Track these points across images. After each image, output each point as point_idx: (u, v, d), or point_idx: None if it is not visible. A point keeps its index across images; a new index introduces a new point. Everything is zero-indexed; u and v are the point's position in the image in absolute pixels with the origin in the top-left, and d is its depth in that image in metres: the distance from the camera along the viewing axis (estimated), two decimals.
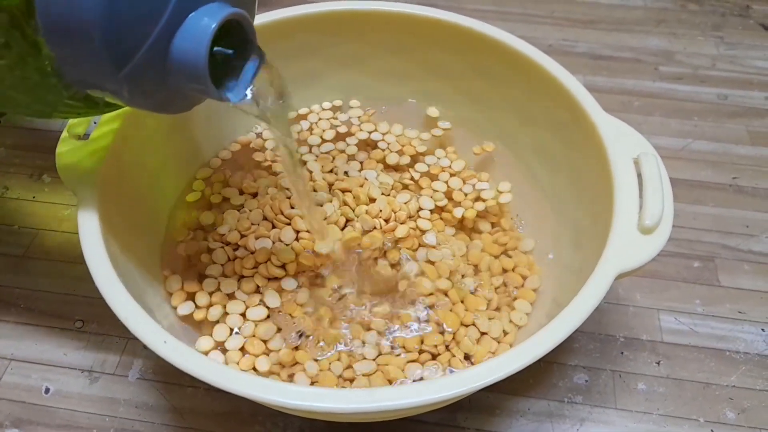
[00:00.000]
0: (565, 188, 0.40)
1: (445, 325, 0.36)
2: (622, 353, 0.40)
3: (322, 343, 0.35)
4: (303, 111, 0.47)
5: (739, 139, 0.54)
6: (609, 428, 0.37)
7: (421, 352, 0.35)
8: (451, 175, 0.44)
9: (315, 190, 0.42)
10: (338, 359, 0.35)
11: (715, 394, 0.38)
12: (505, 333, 0.36)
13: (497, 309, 0.37)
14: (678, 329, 0.41)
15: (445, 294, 0.38)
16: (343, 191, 0.42)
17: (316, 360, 0.34)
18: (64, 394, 0.38)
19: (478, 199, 0.42)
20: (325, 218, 0.41)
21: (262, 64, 0.27)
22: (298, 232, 0.40)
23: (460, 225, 0.42)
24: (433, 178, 0.44)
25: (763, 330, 0.41)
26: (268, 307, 0.36)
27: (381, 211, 0.41)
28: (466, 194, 0.43)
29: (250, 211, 0.41)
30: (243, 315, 0.36)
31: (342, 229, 0.40)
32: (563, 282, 0.37)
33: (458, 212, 0.41)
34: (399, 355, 0.35)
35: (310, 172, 0.44)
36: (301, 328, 0.35)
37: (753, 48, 0.63)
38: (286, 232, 0.40)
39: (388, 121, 0.47)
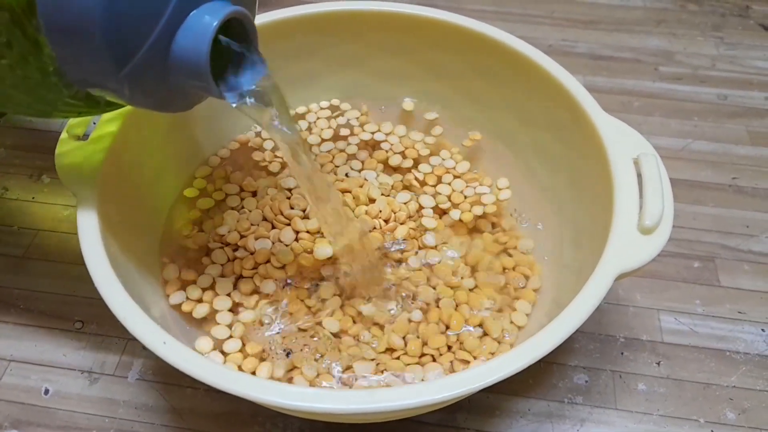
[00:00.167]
0: (565, 188, 0.40)
1: (448, 326, 0.36)
2: (622, 354, 0.40)
3: (323, 347, 0.35)
4: (301, 110, 0.47)
5: (738, 140, 0.54)
6: (609, 429, 0.37)
7: (422, 355, 0.35)
8: (455, 177, 0.44)
9: None
10: (338, 360, 0.35)
11: (716, 395, 0.38)
12: (505, 333, 0.36)
13: (497, 309, 0.37)
14: (678, 329, 0.41)
15: (451, 294, 0.37)
16: (343, 192, 0.42)
17: (315, 360, 0.34)
18: (63, 395, 0.38)
19: (477, 202, 0.42)
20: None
21: (261, 64, 0.27)
22: (297, 232, 0.40)
23: (460, 225, 0.42)
24: (437, 179, 0.44)
25: (763, 330, 0.41)
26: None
27: (381, 211, 0.41)
28: (466, 197, 0.42)
29: (250, 211, 0.41)
30: (232, 311, 0.36)
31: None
32: (563, 282, 0.37)
33: (455, 214, 0.41)
34: (398, 358, 0.35)
35: None
36: (288, 346, 0.35)
37: (753, 48, 0.63)
38: (285, 232, 0.40)
39: (387, 121, 0.47)
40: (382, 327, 0.36)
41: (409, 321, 0.36)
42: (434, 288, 0.38)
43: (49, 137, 0.53)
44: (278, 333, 0.36)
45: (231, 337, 0.35)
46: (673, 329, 0.41)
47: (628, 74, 0.60)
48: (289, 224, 0.40)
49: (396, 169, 0.45)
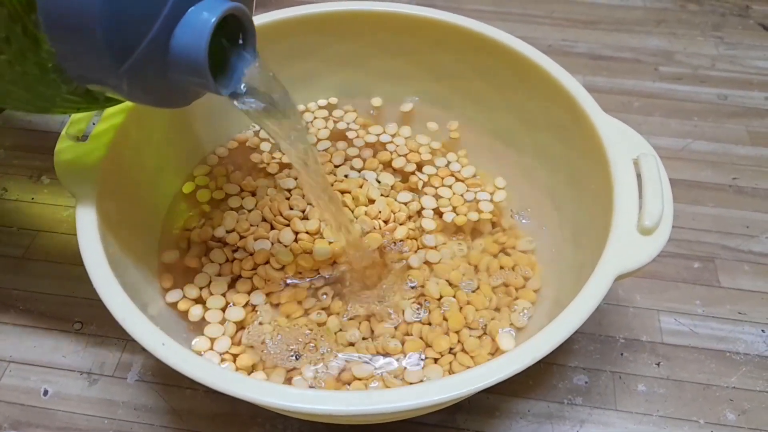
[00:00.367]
0: (564, 189, 0.40)
1: (450, 327, 0.36)
2: (622, 354, 0.40)
3: (323, 349, 0.35)
4: (299, 108, 0.47)
5: (738, 140, 0.54)
6: (609, 430, 0.37)
7: (425, 358, 0.35)
8: (457, 180, 0.44)
9: None
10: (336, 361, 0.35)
11: (716, 396, 0.38)
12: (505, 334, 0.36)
13: (497, 309, 0.37)
14: (678, 330, 0.41)
15: (452, 294, 0.37)
16: (342, 192, 0.42)
17: (314, 364, 0.34)
18: (62, 396, 0.38)
19: (475, 208, 0.42)
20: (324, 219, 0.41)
21: (256, 59, 0.27)
22: (297, 233, 0.40)
23: (458, 227, 0.41)
24: (440, 180, 0.44)
25: (763, 331, 0.41)
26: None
27: (380, 212, 0.41)
28: (466, 201, 0.42)
29: (249, 212, 0.41)
30: (223, 310, 0.37)
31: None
32: (563, 282, 0.37)
33: (448, 217, 0.41)
34: (397, 359, 0.35)
35: None
36: (295, 347, 0.35)
37: (753, 48, 0.63)
38: (284, 233, 0.40)
39: (388, 122, 0.47)
40: (381, 327, 0.36)
41: (408, 323, 0.36)
42: (434, 289, 0.38)
43: (48, 138, 0.53)
44: (276, 333, 0.36)
45: (224, 335, 0.35)
46: (673, 330, 0.41)
47: (628, 74, 0.60)
48: (288, 225, 0.40)
49: (396, 170, 0.45)
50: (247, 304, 0.37)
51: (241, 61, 0.27)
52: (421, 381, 0.34)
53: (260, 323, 0.36)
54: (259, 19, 0.41)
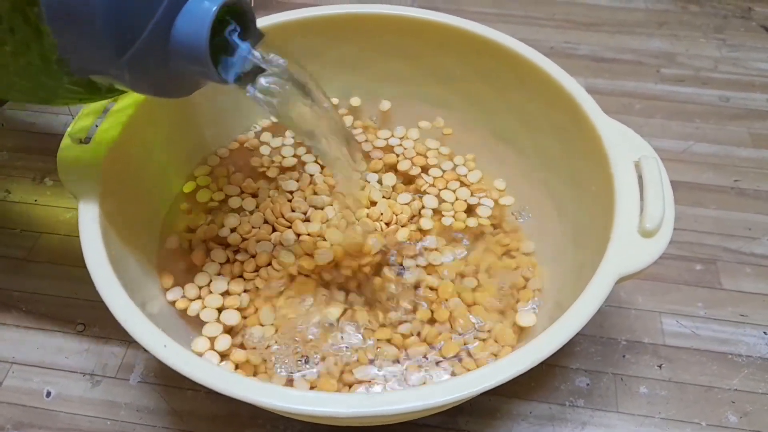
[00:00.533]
0: (566, 191, 0.40)
1: (452, 329, 0.36)
2: (623, 356, 0.40)
3: (325, 350, 0.35)
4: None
5: (740, 142, 0.54)
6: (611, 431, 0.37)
7: (428, 360, 0.35)
8: (462, 184, 0.44)
9: (316, 193, 0.43)
10: (335, 363, 0.35)
11: (717, 398, 0.38)
12: (507, 336, 0.36)
13: (499, 311, 0.37)
14: (680, 332, 0.41)
15: (454, 295, 0.37)
16: (344, 194, 0.42)
17: (315, 364, 0.34)
18: (65, 398, 0.38)
19: (474, 214, 0.42)
20: (326, 220, 0.41)
21: (258, 42, 0.27)
22: (298, 235, 0.40)
23: (458, 229, 0.41)
24: (445, 182, 0.44)
25: (765, 333, 0.41)
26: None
27: (382, 214, 0.41)
28: (469, 205, 0.42)
29: (251, 213, 0.41)
30: (220, 310, 0.37)
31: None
32: (565, 284, 0.37)
33: (447, 221, 0.41)
34: (398, 361, 0.35)
35: (311, 175, 0.44)
36: (296, 348, 0.35)
37: (755, 50, 0.63)
38: (286, 235, 0.40)
39: (388, 124, 0.47)
40: (383, 329, 0.36)
41: (409, 324, 0.36)
42: (436, 290, 0.38)
43: (51, 140, 0.53)
44: (277, 334, 0.36)
45: (223, 333, 0.36)
46: (674, 332, 0.41)
47: (630, 76, 0.60)
48: (290, 227, 0.40)
49: (400, 173, 0.44)
50: (248, 305, 0.37)
51: (242, 50, 0.27)
52: (423, 383, 0.34)
53: (261, 324, 0.36)
54: (260, 22, 0.41)
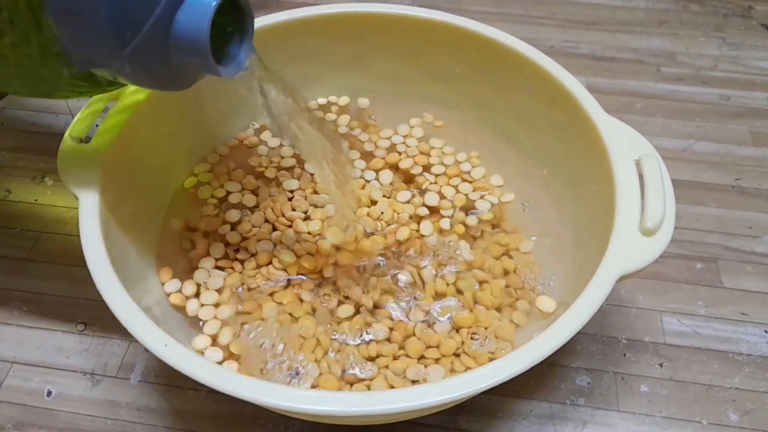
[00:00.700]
0: (566, 190, 0.40)
1: (457, 327, 0.36)
2: (624, 355, 0.40)
3: (325, 349, 0.35)
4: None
5: (741, 140, 0.54)
6: (611, 430, 0.37)
7: (422, 357, 0.35)
8: (464, 180, 0.44)
9: (316, 192, 0.42)
10: (338, 362, 0.35)
11: (718, 396, 0.38)
12: (507, 335, 0.36)
13: (499, 310, 0.37)
14: (681, 331, 0.41)
15: (453, 294, 0.37)
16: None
17: (316, 361, 0.34)
18: (66, 397, 0.38)
19: (471, 207, 0.42)
20: (327, 217, 0.41)
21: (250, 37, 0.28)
22: (299, 234, 0.40)
23: (458, 229, 0.41)
24: (447, 179, 0.43)
25: (766, 332, 0.41)
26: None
27: (382, 213, 0.41)
28: (471, 202, 0.42)
29: (251, 212, 0.41)
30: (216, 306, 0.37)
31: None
32: (565, 283, 0.37)
33: (445, 223, 0.41)
34: (397, 358, 0.35)
35: (311, 174, 0.44)
36: (296, 365, 0.35)
37: (755, 48, 0.63)
38: (287, 234, 0.40)
39: (388, 123, 0.47)
40: (385, 328, 0.36)
41: (409, 323, 0.36)
42: (436, 289, 0.38)
43: (51, 140, 0.52)
44: (278, 333, 0.36)
45: (223, 327, 0.36)
46: (675, 331, 0.41)
47: (630, 75, 0.60)
48: (290, 226, 0.40)
49: (398, 170, 0.44)
50: (249, 303, 0.37)
51: (241, 46, 0.28)
52: (423, 381, 0.34)
53: (263, 319, 0.36)
54: (261, 21, 0.42)
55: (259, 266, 0.38)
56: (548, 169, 0.41)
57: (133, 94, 0.37)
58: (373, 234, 0.40)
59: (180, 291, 0.37)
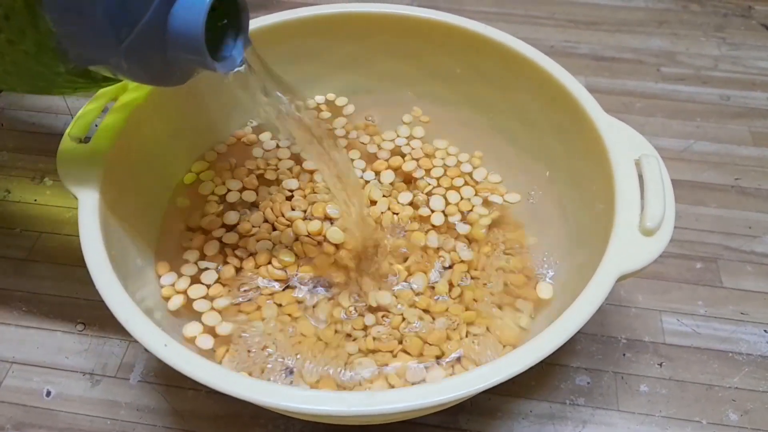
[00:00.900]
0: (566, 190, 0.40)
1: (457, 327, 0.36)
2: (624, 355, 0.40)
3: (325, 349, 0.35)
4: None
5: (741, 140, 0.54)
6: (611, 430, 0.37)
7: (421, 354, 0.35)
8: (466, 183, 0.43)
9: (315, 192, 0.42)
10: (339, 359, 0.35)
11: (718, 396, 0.38)
12: (507, 334, 0.36)
13: (499, 309, 0.37)
14: (680, 331, 0.41)
15: (459, 294, 0.37)
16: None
17: (315, 361, 0.34)
18: (65, 397, 0.38)
19: (471, 210, 0.42)
20: (327, 217, 0.41)
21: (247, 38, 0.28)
22: (298, 234, 0.40)
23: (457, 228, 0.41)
24: (450, 182, 0.43)
25: (766, 331, 0.41)
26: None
27: (383, 213, 0.41)
28: (473, 205, 0.42)
29: (250, 212, 0.41)
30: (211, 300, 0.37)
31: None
32: (565, 283, 0.37)
33: (437, 220, 0.41)
34: (395, 356, 0.35)
35: (311, 173, 0.44)
36: (290, 364, 0.35)
37: (755, 48, 0.63)
38: (286, 234, 0.40)
39: (389, 125, 0.47)
40: (383, 327, 0.36)
41: (410, 322, 0.36)
42: (435, 288, 0.38)
43: (51, 140, 0.53)
44: (277, 333, 0.36)
45: (222, 322, 0.36)
46: (675, 330, 0.41)
47: (630, 75, 0.60)
48: (290, 226, 0.40)
49: (399, 171, 0.44)
50: (249, 302, 0.37)
51: (236, 41, 0.28)
52: (423, 381, 0.34)
53: (263, 319, 0.36)
54: (260, 21, 0.42)
55: (258, 266, 0.38)
56: (548, 169, 0.41)
57: (131, 93, 0.37)
58: (373, 233, 0.40)
59: (182, 293, 0.37)
